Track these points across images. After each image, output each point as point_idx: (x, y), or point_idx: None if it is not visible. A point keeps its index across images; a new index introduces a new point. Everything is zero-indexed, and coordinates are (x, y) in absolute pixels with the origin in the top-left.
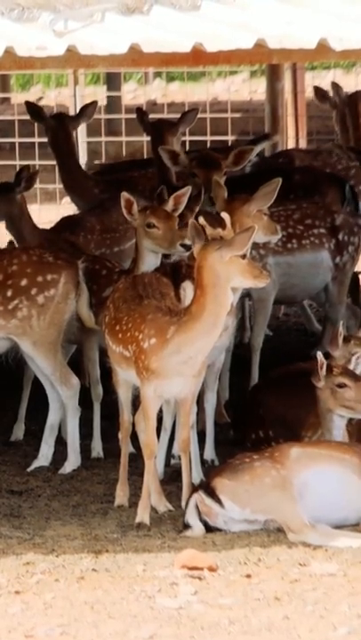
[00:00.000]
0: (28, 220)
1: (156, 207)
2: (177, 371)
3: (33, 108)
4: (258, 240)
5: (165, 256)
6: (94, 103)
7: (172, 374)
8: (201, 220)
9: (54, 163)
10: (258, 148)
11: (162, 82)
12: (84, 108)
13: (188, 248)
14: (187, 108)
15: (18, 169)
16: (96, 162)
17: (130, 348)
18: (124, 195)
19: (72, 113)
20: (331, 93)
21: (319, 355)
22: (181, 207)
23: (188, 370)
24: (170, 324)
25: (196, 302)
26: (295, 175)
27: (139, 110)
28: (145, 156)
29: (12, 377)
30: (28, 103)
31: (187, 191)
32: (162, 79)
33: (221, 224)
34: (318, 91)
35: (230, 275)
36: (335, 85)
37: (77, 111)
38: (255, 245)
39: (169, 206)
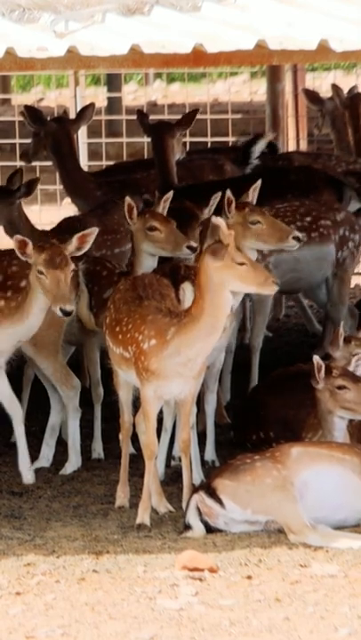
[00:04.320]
0: (27, 222)
1: (155, 211)
2: (176, 372)
3: (33, 113)
4: (264, 248)
5: (164, 259)
6: (92, 105)
7: (172, 375)
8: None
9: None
10: (258, 149)
11: (162, 83)
12: (83, 111)
13: (194, 250)
14: (187, 109)
15: (22, 170)
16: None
17: (130, 349)
18: (127, 199)
19: (73, 114)
20: (331, 95)
21: (316, 358)
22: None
23: (187, 371)
24: (170, 325)
25: (195, 304)
26: (292, 175)
27: (139, 112)
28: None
29: (13, 378)
30: (27, 107)
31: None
32: (162, 80)
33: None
34: (309, 93)
35: (224, 279)
36: (335, 87)
37: (77, 112)
38: None
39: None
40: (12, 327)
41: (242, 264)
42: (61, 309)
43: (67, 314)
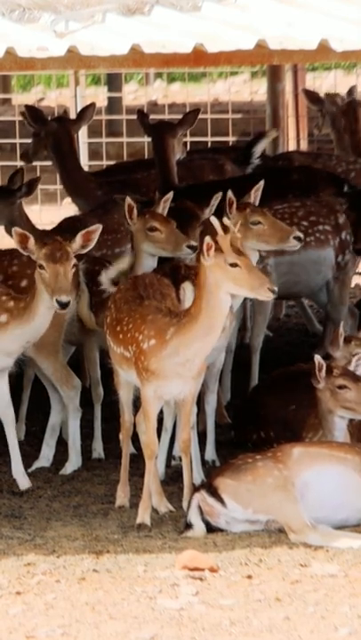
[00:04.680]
0: (27, 222)
1: (155, 211)
2: (175, 372)
3: (33, 112)
4: (265, 248)
5: (163, 259)
6: (92, 105)
7: (171, 376)
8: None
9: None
10: (259, 148)
11: (163, 82)
12: (84, 111)
13: (194, 249)
14: (188, 109)
15: (24, 170)
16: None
17: (130, 349)
18: (127, 200)
19: (73, 114)
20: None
21: (317, 357)
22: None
23: (186, 372)
24: (169, 325)
25: (194, 304)
26: (293, 174)
27: (139, 112)
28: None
29: (13, 377)
30: (28, 107)
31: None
32: (163, 80)
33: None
34: (310, 93)
35: (218, 280)
36: (330, 96)
37: (78, 112)
38: None
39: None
40: (20, 328)
41: (234, 265)
42: (58, 300)
43: (63, 305)
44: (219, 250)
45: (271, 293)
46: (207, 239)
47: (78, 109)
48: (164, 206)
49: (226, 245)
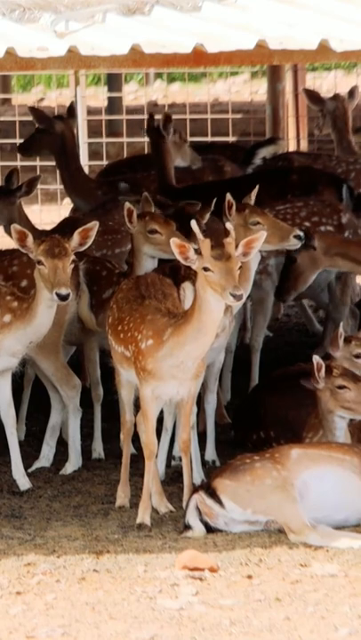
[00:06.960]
0: (27, 222)
1: (155, 213)
2: (171, 374)
3: (36, 113)
4: (267, 248)
5: (164, 259)
6: (72, 103)
7: (167, 377)
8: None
9: (55, 164)
10: (262, 153)
11: (163, 83)
12: (71, 109)
13: (196, 251)
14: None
15: (18, 170)
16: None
17: (130, 349)
18: (126, 204)
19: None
20: (332, 95)
21: (315, 358)
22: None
23: (180, 373)
24: (167, 325)
25: (191, 306)
26: (293, 175)
27: (150, 116)
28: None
29: (13, 377)
30: (31, 109)
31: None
32: (163, 80)
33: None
34: (310, 93)
35: (202, 283)
36: (324, 106)
37: (67, 110)
38: None
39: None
40: (22, 328)
41: (206, 269)
42: (57, 293)
43: (63, 298)
44: (199, 253)
45: (233, 299)
46: (175, 241)
47: (79, 109)
48: (148, 204)
49: (205, 249)
